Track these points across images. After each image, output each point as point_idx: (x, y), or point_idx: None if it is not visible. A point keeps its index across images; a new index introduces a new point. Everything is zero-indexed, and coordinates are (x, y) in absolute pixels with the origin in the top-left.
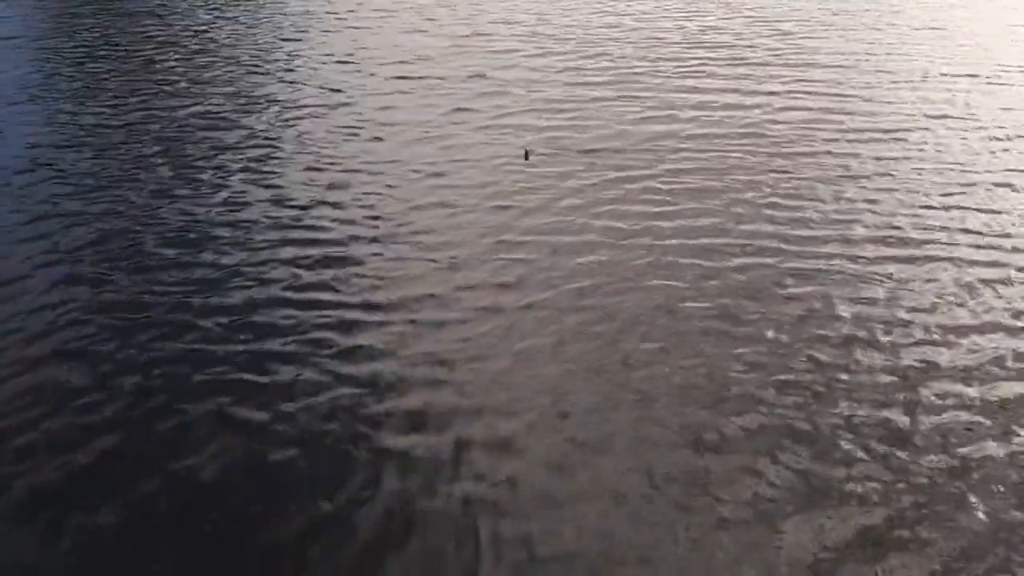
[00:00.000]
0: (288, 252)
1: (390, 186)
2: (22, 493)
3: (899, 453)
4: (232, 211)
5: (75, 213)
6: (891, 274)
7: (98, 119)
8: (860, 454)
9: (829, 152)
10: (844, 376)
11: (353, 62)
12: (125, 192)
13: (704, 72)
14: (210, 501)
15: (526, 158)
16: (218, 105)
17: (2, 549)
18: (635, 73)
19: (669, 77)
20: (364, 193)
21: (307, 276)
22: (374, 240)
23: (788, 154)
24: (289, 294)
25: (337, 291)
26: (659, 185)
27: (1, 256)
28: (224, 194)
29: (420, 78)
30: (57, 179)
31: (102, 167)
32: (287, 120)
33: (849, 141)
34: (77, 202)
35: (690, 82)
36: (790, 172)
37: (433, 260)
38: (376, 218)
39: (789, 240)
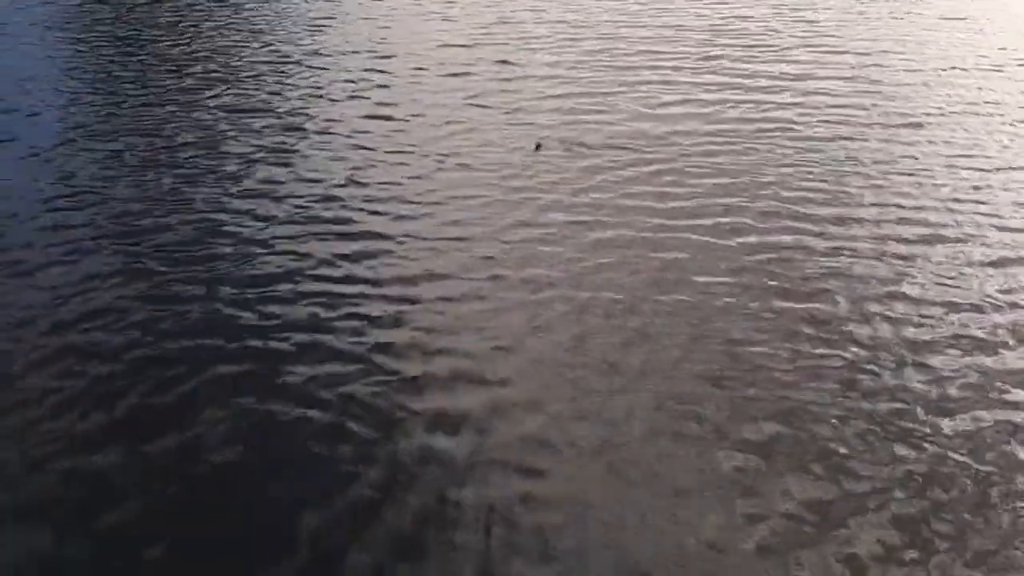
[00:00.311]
0: (314, 231)
1: (412, 170)
2: (48, 454)
3: (919, 437)
4: (258, 193)
5: (106, 191)
6: (918, 261)
7: (128, 103)
8: (882, 442)
9: (852, 140)
10: (868, 359)
11: (379, 49)
12: (154, 172)
13: (727, 60)
14: (226, 475)
15: (537, 149)
16: (245, 91)
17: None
18: (658, 62)
19: (694, 66)
20: (387, 176)
21: (332, 257)
22: (396, 220)
23: (810, 140)
24: (313, 273)
25: (360, 270)
26: (681, 169)
27: (36, 228)
28: (250, 177)
29: (443, 65)
30: (90, 159)
31: (132, 149)
32: (314, 105)
33: (873, 130)
34: (108, 181)
35: (712, 71)
36: (812, 158)
37: (452, 240)
38: (399, 200)
39: (811, 222)
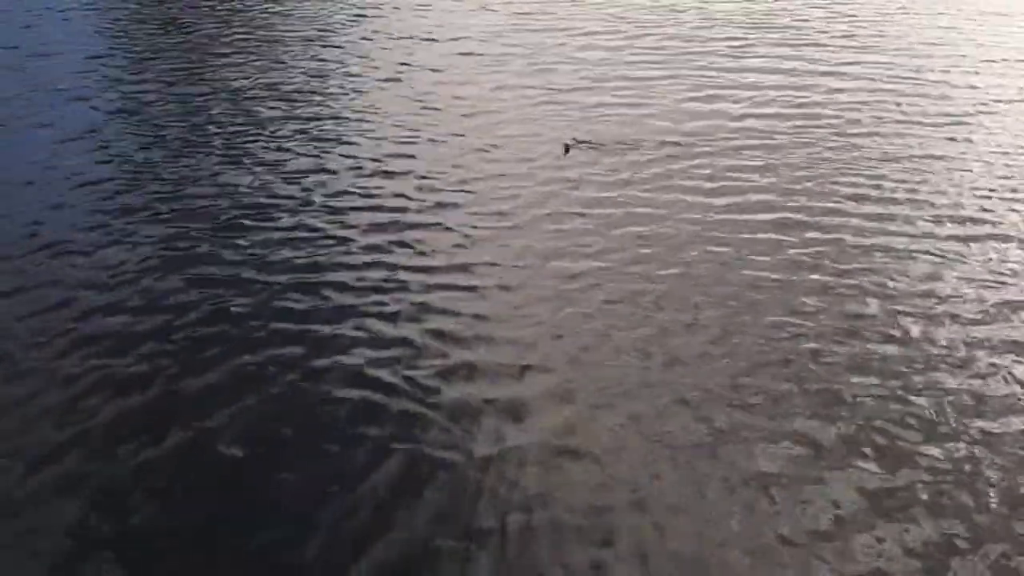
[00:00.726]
0: (350, 217)
1: (450, 158)
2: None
3: (955, 424)
4: (299, 178)
5: (146, 173)
6: (957, 259)
7: (173, 85)
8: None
9: (891, 136)
10: (906, 354)
11: (420, 36)
12: (195, 156)
13: (765, 53)
14: (258, 456)
15: (566, 152)
16: (285, 78)
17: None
18: (692, 51)
19: (729, 55)
20: (425, 165)
21: (365, 238)
22: (433, 208)
23: (849, 135)
24: (348, 258)
25: (391, 252)
26: (721, 162)
27: (80, 208)
28: (291, 162)
29: (481, 55)
30: (132, 142)
31: (174, 133)
32: (355, 92)
33: (910, 123)
34: (153, 163)
35: (751, 67)
36: (851, 154)
37: (482, 228)
38: (435, 188)
39: (850, 217)
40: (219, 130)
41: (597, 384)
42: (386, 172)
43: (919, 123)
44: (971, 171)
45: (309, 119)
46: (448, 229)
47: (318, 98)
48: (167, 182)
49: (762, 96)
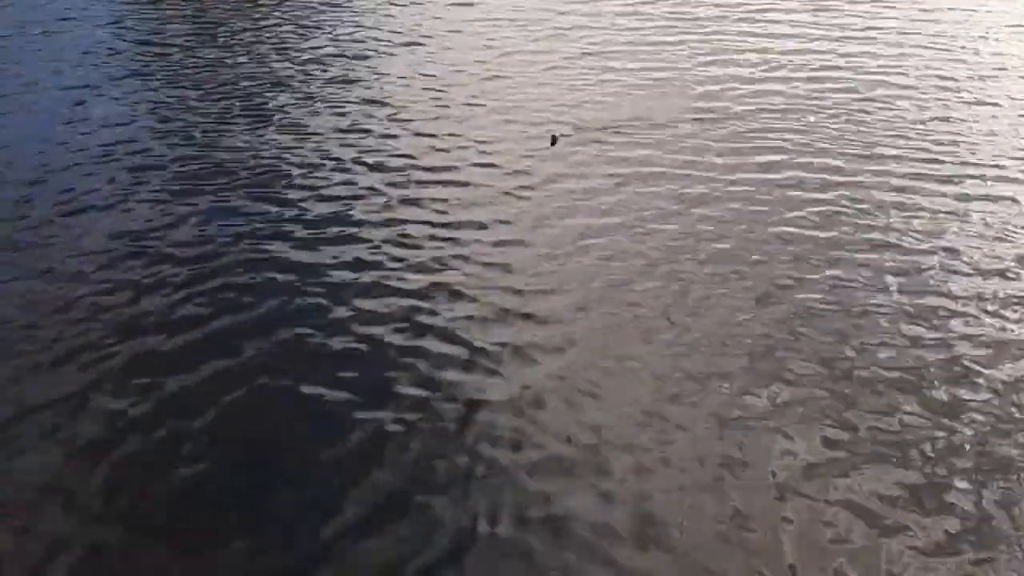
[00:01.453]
0: (372, 172)
1: (466, 118)
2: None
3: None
4: (323, 137)
5: (178, 154)
6: (978, 247)
7: (197, 53)
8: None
9: (911, 98)
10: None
11: (450, 23)
12: (226, 117)
13: (781, 16)
14: (280, 408)
15: (552, 143)
16: (312, 44)
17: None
18: (705, 16)
19: (746, 19)
20: (442, 125)
21: (389, 194)
22: (446, 167)
23: (868, 98)
24: (371, 209)
25: (411, 207)
26: (734, 128)
27: (122, 169)
28: (314, 123)
29: (517, 37)
30: (163, 126)
31: (205, 95)
32: (384, 79)
33: (935, 88)
34: (177, 147)
35: (767, 26)
36: (869, 115)
37: (502, 185)
38: (452, 147)
39: (875, 174)
40: (248, 94)
41: (623, 348)
42: (410, 132)
43: (944, 87)
44: (999, 134)
45: (337, 82)
46: (468, 186)
47: (343, 61)
48: (199, 143)
49: (778, 61)
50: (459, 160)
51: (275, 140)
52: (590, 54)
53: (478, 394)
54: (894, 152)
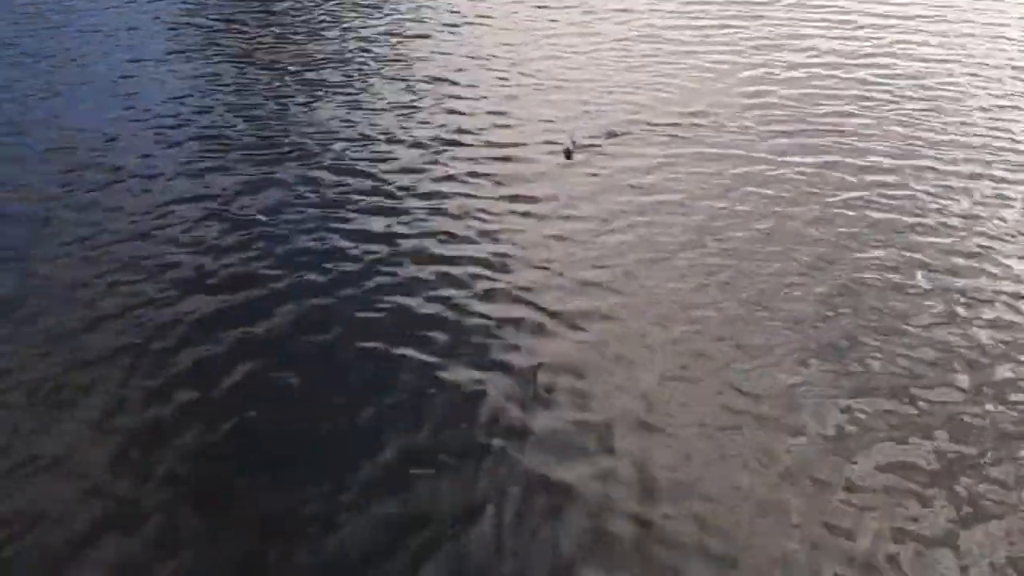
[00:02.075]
0: (421, 147)
1: (514, 96)
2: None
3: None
4: (376, 113)
5: (232, 125)
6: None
7: (254, 33)
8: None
9: (962, 86)
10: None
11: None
12: (278, 95)
13: (822, 2)
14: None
15: (568, 157)
16: (366, 23)
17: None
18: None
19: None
20: (489, 103)
21: (435, 170)
22: (490, 143)
23: (912, 86)
24: (420, 181)
25: (462, 183)
26: (782, 112)
27: (161, 149)
28: (367, 99)
29: (570, 23)
30: (218, 100)
31: (257, 72)
32: (430, 36)
33: (989, 78)
34: (232, 119)
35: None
36: (913, 104)
37: (548, 162)
38: (498, 124)
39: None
40: (303, 68)
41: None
42: (464, 108)
43: (999, 76)
44: None
45: (394, 59)
46: (516, 161)
47: (399, 40)
48: (253, 116)
49: (827, 47)
50: (511, 137)
51: (330, 113)
52: (643, 36)
53: (516, 359)
54: (945, 138)
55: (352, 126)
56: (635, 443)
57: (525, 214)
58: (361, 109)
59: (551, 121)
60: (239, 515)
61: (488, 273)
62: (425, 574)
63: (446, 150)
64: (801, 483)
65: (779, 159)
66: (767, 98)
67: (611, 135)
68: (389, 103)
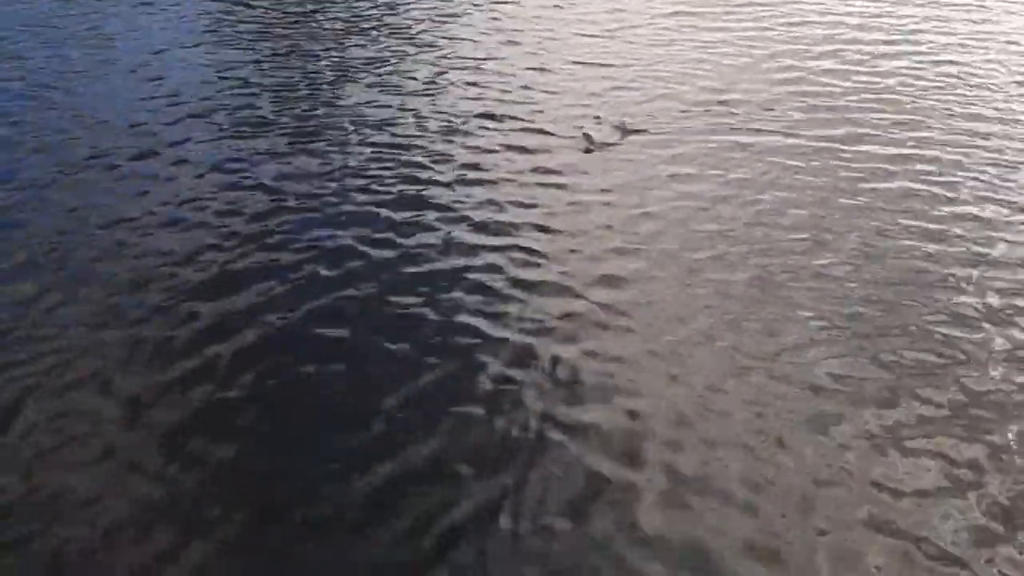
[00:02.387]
0: (452, 134)
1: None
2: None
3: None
4: (408, 95)
5: (260, 106)
6: None
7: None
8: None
9: (1007, 78)
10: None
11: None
12: (314, 78)
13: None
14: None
15: (587, 151)
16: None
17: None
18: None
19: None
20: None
21: (466, 155)
22: (520, 128)
23: (958, 73)
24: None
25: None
26: (823, 101)
27: (186, 126)
28: (400, 83)
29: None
30: (245, 81)
31: (293, 59)
32: (462, 16)
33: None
34: (260, 100)
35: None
36: (956, 94)
37: (581, 157)
38: (534, 110)
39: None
40: (332, 48)
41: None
42: (494, 90)
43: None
44: None
45: (420, 41)
46: (547, 137)
47: (424, 19)
48: (283, 98)
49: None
50: (540, 117)
51: (360, 92)
52: (675, 13)
53: (548, 323)
54: (990, 129)
55: (382, 104)
56: (661, 394)
57: (555, 186)
58: (391, 87)
59: (582, 99)
60: (250, 472)
61: (519, 246)
62: (442, 526)
63: (476, 129)
64: (815, 432)
65: (817, 144)
66: (797, 73)
67: (627, 131)
68: (422, 82)
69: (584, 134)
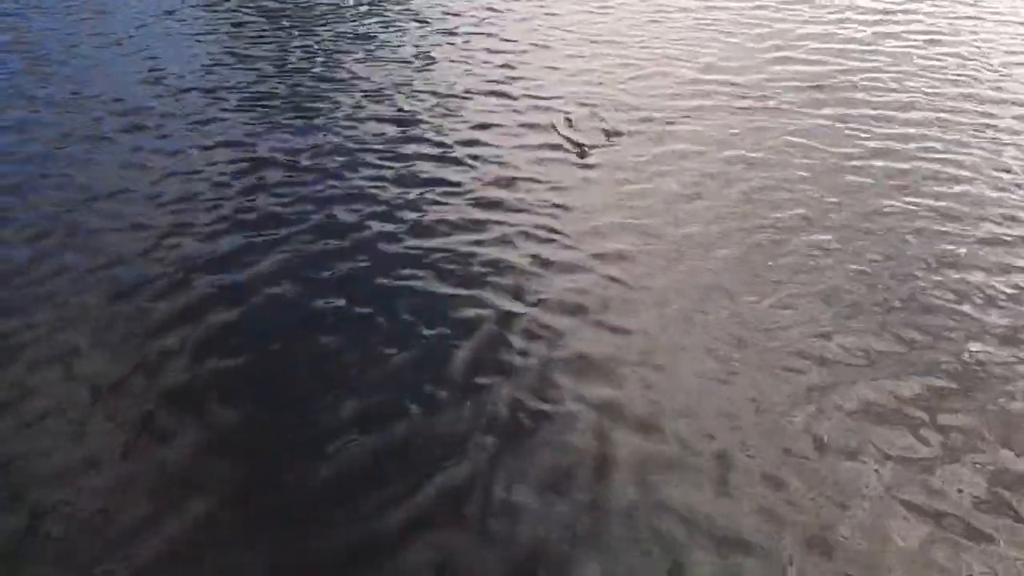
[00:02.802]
0: (454, 102)
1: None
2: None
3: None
4: (407, 65)
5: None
6: None
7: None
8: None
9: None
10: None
11: None
12: (318, 51)
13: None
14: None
15: (582, 157)
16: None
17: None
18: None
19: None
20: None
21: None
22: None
23: (977, 63)
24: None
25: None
26: (841, 85)
27: (191, 103)
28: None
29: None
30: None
31: (291, 33)
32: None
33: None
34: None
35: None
36: (974, 82)
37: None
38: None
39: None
40: (333, 27)
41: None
42: (504, 68)
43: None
44: None
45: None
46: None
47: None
48: (280, 75)
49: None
50: (564, 93)
51: (355, 65)
52: None
53: (541, 293)
54: (985, 102)
55: (377, 77)
56: (647, 363)
57: (545, 161)
58: (389, 61)
59: (578, 76)
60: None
61: (507, 216)
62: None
63: (476, 105)
64: (806, 402)
65: (808, 112)
66: (789, 52)
67: (614, 134)
68: (419, 54)
69: (579, 150)
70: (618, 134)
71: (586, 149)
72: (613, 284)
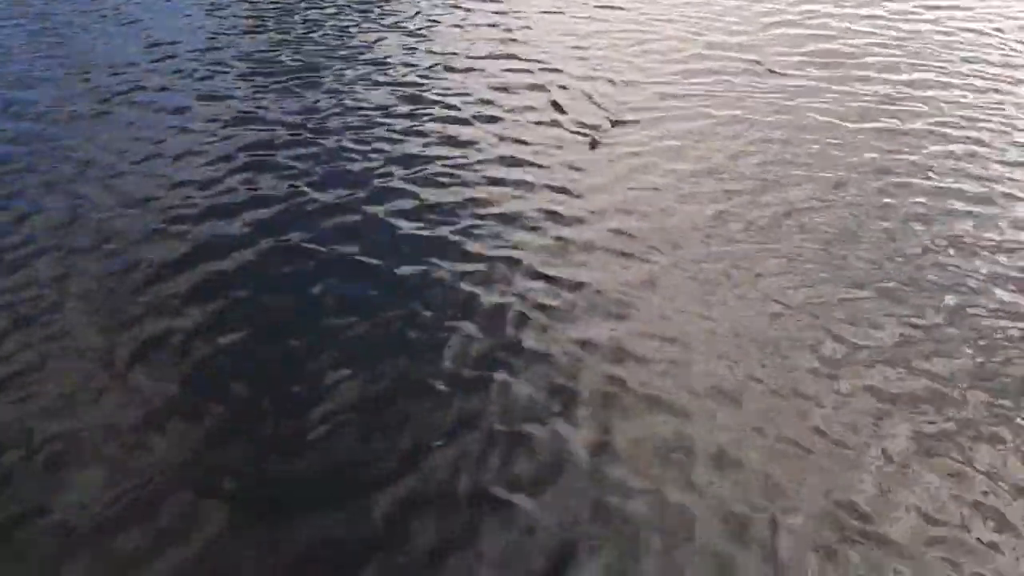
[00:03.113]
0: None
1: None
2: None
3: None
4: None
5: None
6: None
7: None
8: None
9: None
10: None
11: None
12: (327, 31)
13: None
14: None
15: (592, 148)
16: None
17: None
18: None
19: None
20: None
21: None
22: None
23: (991, 43)
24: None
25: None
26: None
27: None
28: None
29: None
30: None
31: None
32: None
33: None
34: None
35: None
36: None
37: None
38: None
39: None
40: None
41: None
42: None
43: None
44: None
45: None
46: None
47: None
48: (294, 49)
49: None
50: (575, 84)
51: (368, 44)
52: None
53: (554, 273)
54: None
55: (382, 48)
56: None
57: (554, 143)
58: (411, 36)
59: (586, 47)
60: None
61: (519, 194)
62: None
63: (482, 73)
64: (816, 376)
65: (845, 105)
66: (800, 30)
67: (616, 123)
68: (424, 26)
69: (590, 141)
70: (623, 115)
71: (596, 137)
72: (619, 265)
